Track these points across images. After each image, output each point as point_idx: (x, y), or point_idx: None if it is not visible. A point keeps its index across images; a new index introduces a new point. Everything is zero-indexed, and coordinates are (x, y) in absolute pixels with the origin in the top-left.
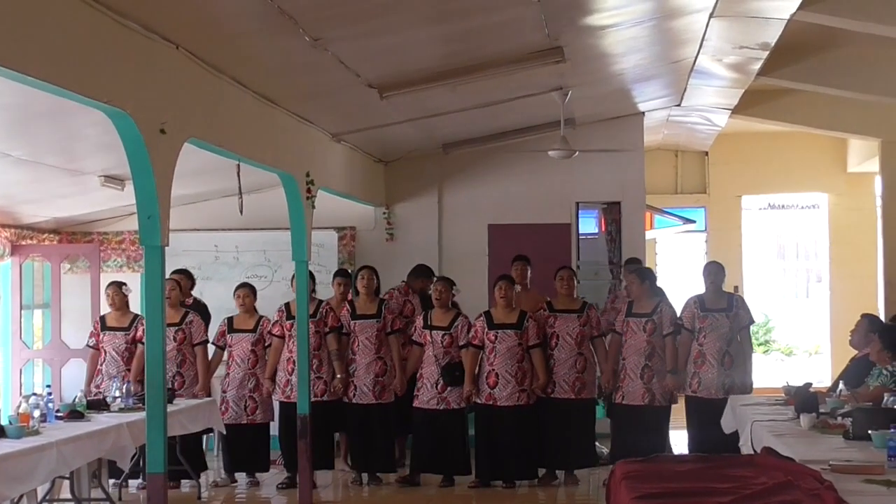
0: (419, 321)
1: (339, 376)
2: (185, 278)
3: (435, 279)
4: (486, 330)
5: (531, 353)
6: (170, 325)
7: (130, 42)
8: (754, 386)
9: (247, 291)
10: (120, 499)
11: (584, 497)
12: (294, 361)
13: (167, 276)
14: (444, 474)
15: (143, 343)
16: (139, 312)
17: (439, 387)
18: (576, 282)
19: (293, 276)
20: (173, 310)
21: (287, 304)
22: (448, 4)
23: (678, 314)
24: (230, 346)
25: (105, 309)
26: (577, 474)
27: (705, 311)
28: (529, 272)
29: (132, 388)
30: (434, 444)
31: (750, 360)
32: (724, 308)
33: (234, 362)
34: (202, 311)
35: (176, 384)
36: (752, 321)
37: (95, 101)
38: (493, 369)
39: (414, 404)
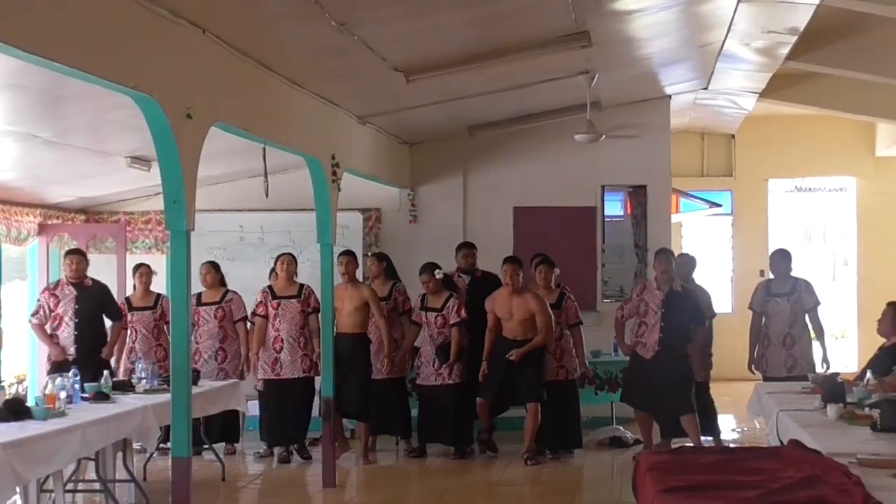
0: (417, 303)
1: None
2: (83, 259)
3: (420, 272)
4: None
5: (571, 331)
6: (210, 303)
7: (157, 27)
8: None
9: (290, 259)
10: (144, 478)
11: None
12: (282, 339)
13: (204, 261)
14: (450, 444)
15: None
16: (162, 293)
17: (435, 364)
18: (554, 272)
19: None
20: (213, 290)
21: (270, 287)
22: None
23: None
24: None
25: (130, 289)
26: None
27: (770, 296)
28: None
29: (157, 370)
30: (437, 417)
31: (821, 340)
32: (786, 292)
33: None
34: (105, 292)
35: (219, 359)
36: (817, 303)
37: (122, 86)
38: None
39: (417, 381)
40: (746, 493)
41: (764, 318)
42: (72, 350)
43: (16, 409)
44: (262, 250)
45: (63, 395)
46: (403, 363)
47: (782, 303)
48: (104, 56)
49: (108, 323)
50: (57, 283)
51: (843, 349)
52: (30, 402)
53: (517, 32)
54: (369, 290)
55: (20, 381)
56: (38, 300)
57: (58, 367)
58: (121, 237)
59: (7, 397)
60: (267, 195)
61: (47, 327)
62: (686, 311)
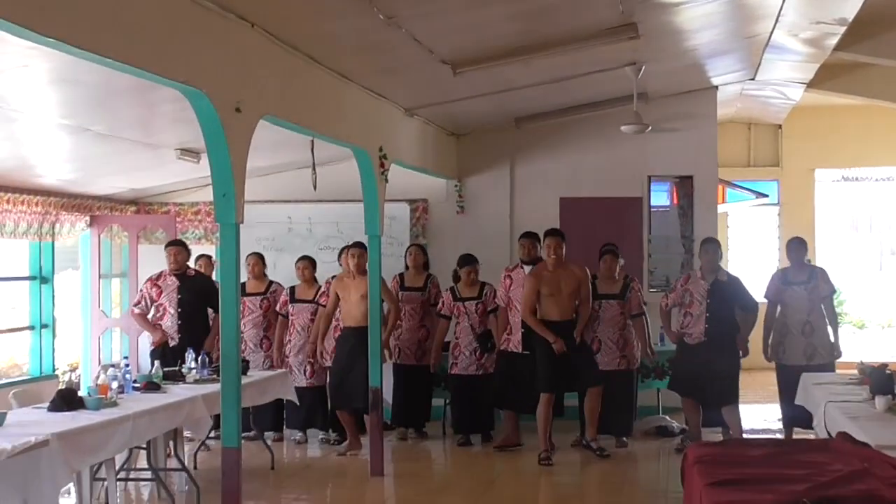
0: (447, 296)
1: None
2: (184, 250)
3: (463, 264)
4: (592, 300)
5: (633, 321)
6: (255, 294)
7: (206, 22)
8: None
9: (306, 264)
10: (195, 467)
11: (654, 465)
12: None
13: (251, 252)
14: (482, 432)
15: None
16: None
17: (477, 354)
18: (619, 262)
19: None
20: (258, 280)
21: (335, 277)
22: None
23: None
24: (292, 315)
25: None
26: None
27: (786, 284)
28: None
29: (206, 360)
30: (474, 406)
31: (834, 327)
32: (803, 281)
33: (294, 330)
34: (208, 283)
35: (264, 346)
36: (832, 291)
37: (172, 80)
38: (597, 336)
39: (452, 372)
40: (795, 487)
41: (780, 307)
42: (175, 339)
43: (69, 399)
44: (310, 241)
45: (115, 385)
46: (438, 357)
47: (800, 291)
48: (155, 51)
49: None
50: (160, 274)
51: (889, 339)
52: (83, 391)
53: (564, 25)
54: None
55: (73, 369)
56: (140, 290)
57: (158, 354)
58: (171, 228)
59: (60, 387)
60: (315, 187)
61: (150, 317)
62: (732, 300)
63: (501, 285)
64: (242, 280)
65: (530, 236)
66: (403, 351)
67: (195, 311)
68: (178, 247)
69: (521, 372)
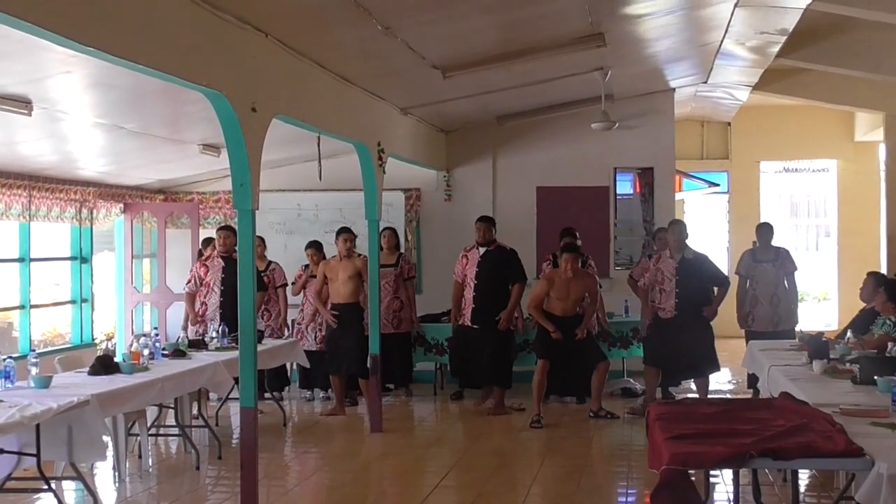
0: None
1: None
2: (232, 235)
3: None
4: None
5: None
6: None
7: (226, 32)
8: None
9: (314, 251)
10: (217, 424)
11: (619, 422)
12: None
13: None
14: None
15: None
16: None
17: None
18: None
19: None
20: (259, 260)
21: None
22: None
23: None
24: (305, 289)
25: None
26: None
27: (756, 262)
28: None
29: (226, 330)
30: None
31: (795, 299)
32: (771, 259)
33: (308, 302)
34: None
35: (265, 318)
36: (795, 269)
37: (196, 84)
38: None
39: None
40: (743, 440)
41: (749, 282)
42: (217, 316)
43: (106, 365)
44: (316, 225)
45: (146, 352)
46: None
47: (769, 268)
48: (181, 58)
49: None
50: (209, 256)
51: (824, 310)
52: (118, 357)
53: (541, 34)
54: (362, 260)
55: (110, 339)
56: (191, 270)
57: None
58: (194, 214)
59: (98, 354)
60: (321, 177)
61: (200, 295)
62: (701, 275)
63: (458, 263)
64: None
65: (485, 220)
66: (381, 321)
67: (237, 290)
68: (227, 231)
69: (471, 345)
